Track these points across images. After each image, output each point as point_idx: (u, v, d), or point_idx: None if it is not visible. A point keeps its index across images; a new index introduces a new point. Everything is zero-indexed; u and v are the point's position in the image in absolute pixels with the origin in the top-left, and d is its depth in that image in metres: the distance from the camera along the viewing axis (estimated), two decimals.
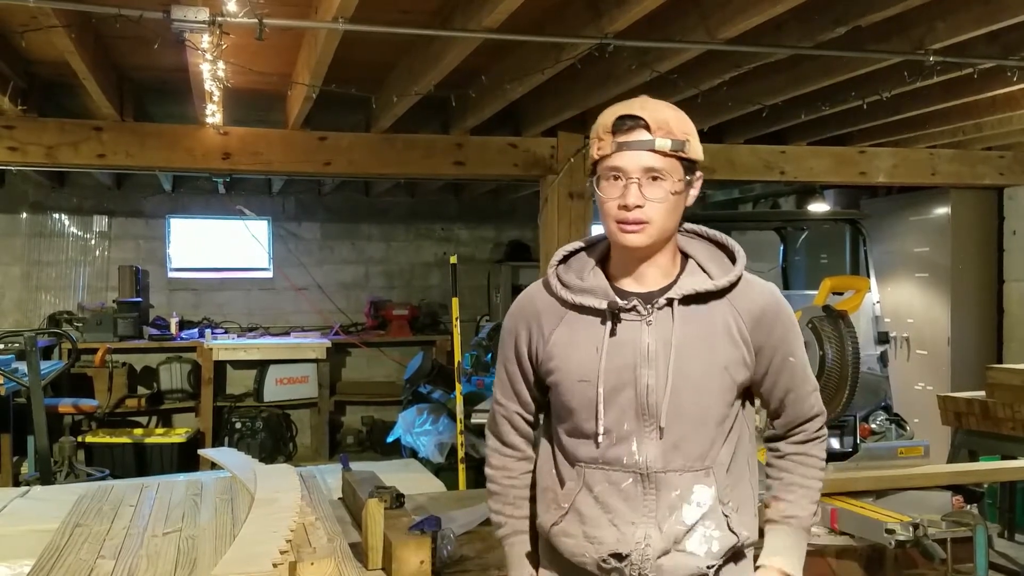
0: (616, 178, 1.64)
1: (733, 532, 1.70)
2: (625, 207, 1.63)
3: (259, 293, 8.35)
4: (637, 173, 1.62)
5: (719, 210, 8.46)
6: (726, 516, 1.69)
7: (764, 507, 1.84)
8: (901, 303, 6.93)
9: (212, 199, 8.07)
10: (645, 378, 1.66)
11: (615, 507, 1.68)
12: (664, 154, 1.62)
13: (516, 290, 8.75)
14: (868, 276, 5.39)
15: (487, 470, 1.90)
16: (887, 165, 6.21)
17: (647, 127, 1.62)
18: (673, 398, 1.65)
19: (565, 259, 1.81)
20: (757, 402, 1.85)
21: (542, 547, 1.83)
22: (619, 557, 1.67)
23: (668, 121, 1.63)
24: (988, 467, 3.75)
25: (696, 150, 1.67)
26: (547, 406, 1.84)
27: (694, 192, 1.71)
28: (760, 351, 1.73)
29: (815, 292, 4.50)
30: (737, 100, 4.62)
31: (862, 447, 4.42)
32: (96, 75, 4.09)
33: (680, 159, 1.64)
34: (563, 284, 1.76)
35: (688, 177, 1.66)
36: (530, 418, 1.87)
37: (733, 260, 1.76)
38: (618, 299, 1.69)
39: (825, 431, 1.87)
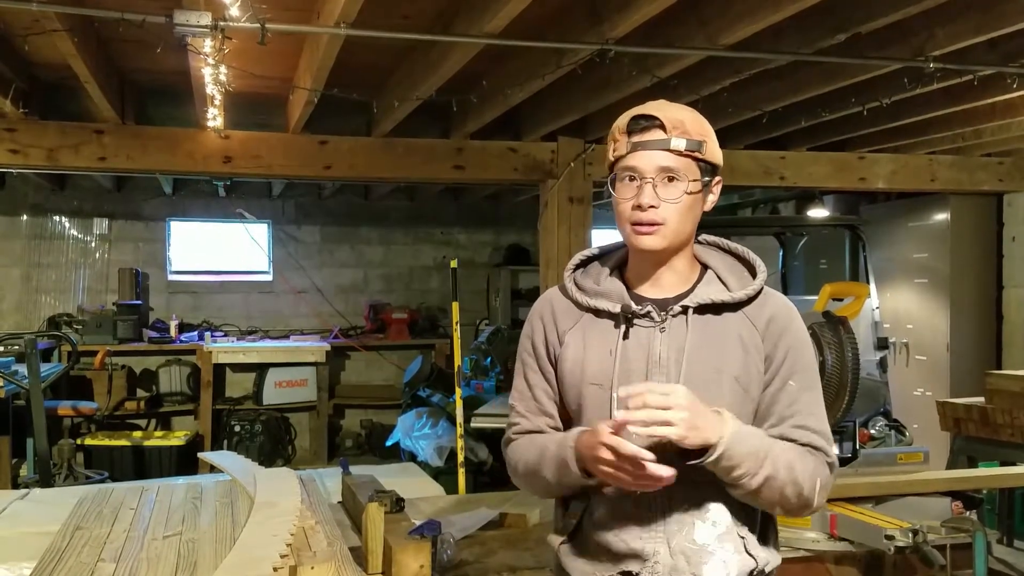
0: (631, 179, 1.62)
1: (751, 555, 1.63)
2: (639, 207, 1.60)
3: (259, 296, 8.35)
4: (652, 173, 1.59)
5: (718, 215, 8.46)
6: (742, 538, 1.63)
7: None
8: (900, 309, 6.94)
9: (212, 202, 8.09)
10: None
11: (623, 522, 1.63)
12: (679, 153, 1.59)
13: (515, 294, 8.77)
14: (867, 282, 5.39)
15: (510, 470, 1.78)
16: (886, 171, 6.21)
17: (662, 126, 1.59)
18: None
19: (582, 264, 1.79)
20: None
21: (556, 569, 1.77)
22: None
23: (684, 121, 1.60)
24: (987, 473, 3.75)
25: (714, 153, 1.64)
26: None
27: (713, 198, 1.68)
28: (767, 363, 1.65)
29: (815, 298, 4.51)
30: (737, 106, 4.63)
31: (861, 453, 4.43)
32: (98, 78, 4.10)
33: (696, 160, 1.61)
34: (579, 288, 1.74)
35: (705, 179, 1.63)
36: (558, 427, 1.76)
37: (754, 274, 1.71)
38: (632, 303, 1.66)
39: (825, 470, 1.63)
